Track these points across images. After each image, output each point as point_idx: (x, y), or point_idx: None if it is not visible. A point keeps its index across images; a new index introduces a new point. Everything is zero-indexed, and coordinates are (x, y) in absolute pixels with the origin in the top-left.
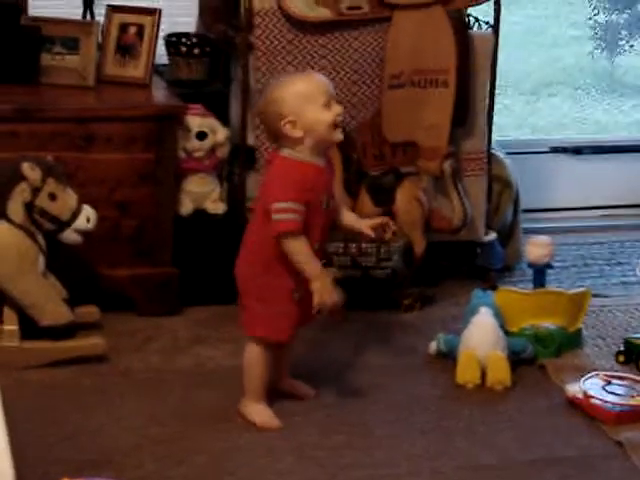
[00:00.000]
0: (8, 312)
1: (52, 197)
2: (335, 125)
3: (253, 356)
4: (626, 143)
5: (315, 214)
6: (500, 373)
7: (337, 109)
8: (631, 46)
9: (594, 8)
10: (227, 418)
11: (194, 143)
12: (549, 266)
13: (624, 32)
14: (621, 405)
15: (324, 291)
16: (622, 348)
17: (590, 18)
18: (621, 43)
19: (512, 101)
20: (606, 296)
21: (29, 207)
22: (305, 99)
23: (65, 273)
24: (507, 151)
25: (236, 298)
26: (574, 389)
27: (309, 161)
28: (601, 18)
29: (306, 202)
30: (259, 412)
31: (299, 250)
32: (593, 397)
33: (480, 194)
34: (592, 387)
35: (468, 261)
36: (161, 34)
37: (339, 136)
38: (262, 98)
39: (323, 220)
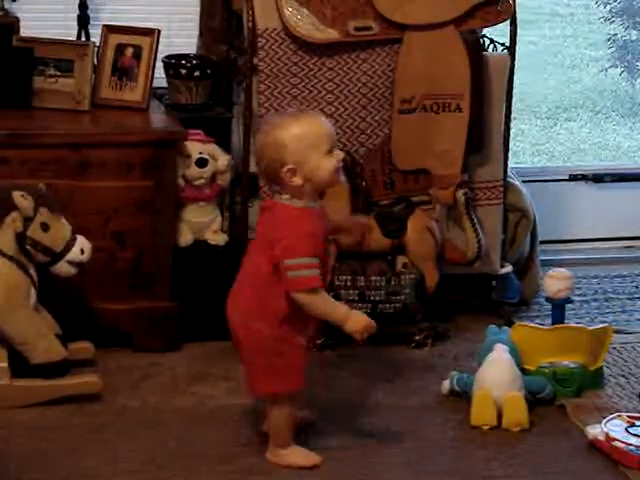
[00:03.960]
0: None
1: (45, 227)
2: (337, 170)
3: (281, 412)
4: None
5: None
6: (517, 414)
7: (339, 155)
8: None
9: (611, 22)
10: (229, 460)
11: (194, 170)
12: (568, 301)
13: None
14: None
15: (361, 329)
16: None
17: (609, 38)
18: None
19: (528, 126)
20: (629, 332)
21: (20, 238)
22: (308, 146)
23: (58, 307)
24: (523, 179)
25: None
26: (595, 431)
27: (310, 208)
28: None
29: (319, 255)
30: (298, 454)
31: (322, 302)
32: (615, 440)
33: (495, 224)
34: (614, 429)
35: (483, 295)
36: (160, 56)
37: (340, 179)
38: (260, 137)
39: (325, 268)
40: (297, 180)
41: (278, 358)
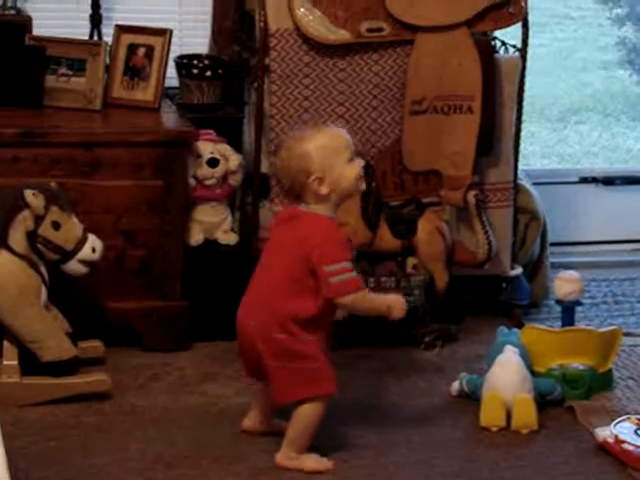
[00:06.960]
0: (8, 346)
1: (56, 226)
2: (359, 178)
3: (315, 413)
4: None
5: None
6: (526, 416)
7: (360, 162)
8: None
9: (621, 25)
10: (238, 459)
11: (205, 170)
12: (578, 303)
13: None
14: None
15: (402, 311)
16: None
17: (620, 42)
18: None
19: (538, 128)
20: (638, 335)
21: (32, 236)
22: (331, 155)
23: (68, 306)
24: (534, 181)
25: None
26: (604, 433)
27: (335, 218)
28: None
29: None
30: (313, 459)
31: (364, 299)
32: (625, 442)
33: (506, 226)
34: (623, 431)
35: (493, 297)
36: (172, 55)
37: (363, 186)
38: (283, 153)
39: None
40: (324, 189)
41: (308, 361)
